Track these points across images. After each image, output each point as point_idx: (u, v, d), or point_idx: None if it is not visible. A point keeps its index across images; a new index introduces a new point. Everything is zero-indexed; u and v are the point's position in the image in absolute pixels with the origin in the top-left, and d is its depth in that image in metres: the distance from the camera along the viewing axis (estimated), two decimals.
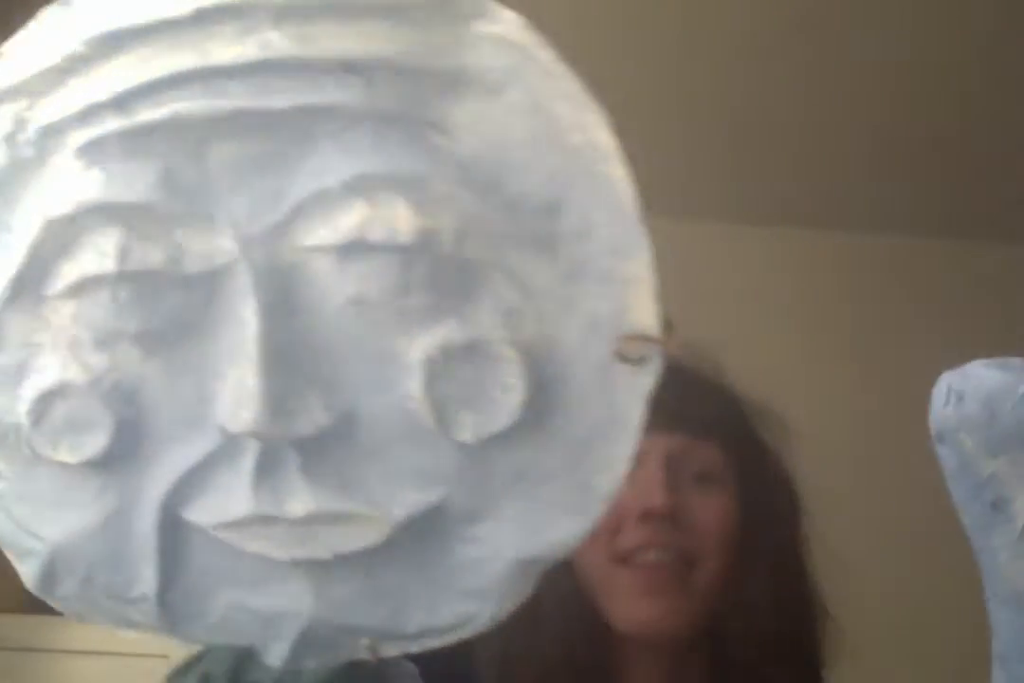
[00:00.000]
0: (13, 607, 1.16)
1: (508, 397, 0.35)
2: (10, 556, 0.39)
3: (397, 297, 0.35)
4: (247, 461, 0.35)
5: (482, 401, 0.35)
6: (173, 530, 0.37)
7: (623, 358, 0.35)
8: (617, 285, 0.35)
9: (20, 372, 0.37)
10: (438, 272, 0.35)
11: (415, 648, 0.38)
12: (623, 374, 0.35)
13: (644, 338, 0.35)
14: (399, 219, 0.34)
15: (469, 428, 0.35)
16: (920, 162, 1.77)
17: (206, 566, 0.38)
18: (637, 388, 0.36)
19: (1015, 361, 0.24)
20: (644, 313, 0.35)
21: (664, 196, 2.03)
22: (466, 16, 0.35)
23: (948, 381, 0.25)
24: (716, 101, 1.66)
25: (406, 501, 0.36)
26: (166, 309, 0.36)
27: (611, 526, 0.64)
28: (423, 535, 0.37)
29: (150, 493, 0.37)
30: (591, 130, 0.35)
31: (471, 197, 0.35)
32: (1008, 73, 1.59)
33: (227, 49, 0.34)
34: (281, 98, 0.34)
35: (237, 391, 0.35)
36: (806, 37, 1.54)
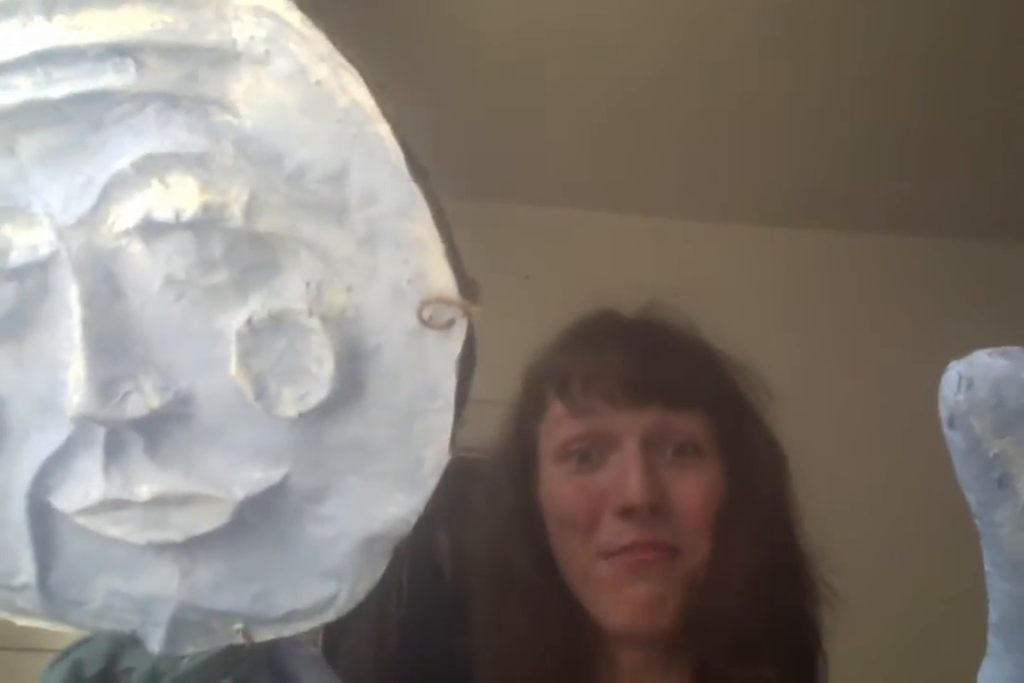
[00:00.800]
0: None
1: (321, 369, 0.35)
2: None
3: (202, 274, 0.35)
4: (97, 447, 0.36)
5: (298, 374, 0.35)
6: (44, 518, 0.38)
7: (430, 324, 0.35)
8: (409, 248, 0.35)
9: None
10: (234, 247, 0.35)
11: (288, 632, 0.38)
12: (432, 340, 0.35)
13: (445, 301, 0.34)
14: (184, 196, 0.34)
15: (289, 402, 0.35)
16: (920, 162, 1.77)
17: (81, 552, 0.38)
18: (447, 354, 0.35)
19: (1015, 349, 0.26)
20: (440, 276, 0.35)
21: (664, 196, 2.03)
22: None
23: (957, 369, 0.26)
24: (716, 101, 1.65)
25: (247, 480, 0.36)
26: (4, 302, 0.36)
27: (590, 521, 0.61)
28: (274, 515, 0.37)
29: (18, 481, 0.37)
30: (352, 91, 0.34)
31: (255, 170, 0.35)
32: (1008, 73, 1.59)
33: (6, 45, 0.34)
34: (60, 87, 0.34)
35: (72, 377, 0.35)
36: (806, 36, 1.54)
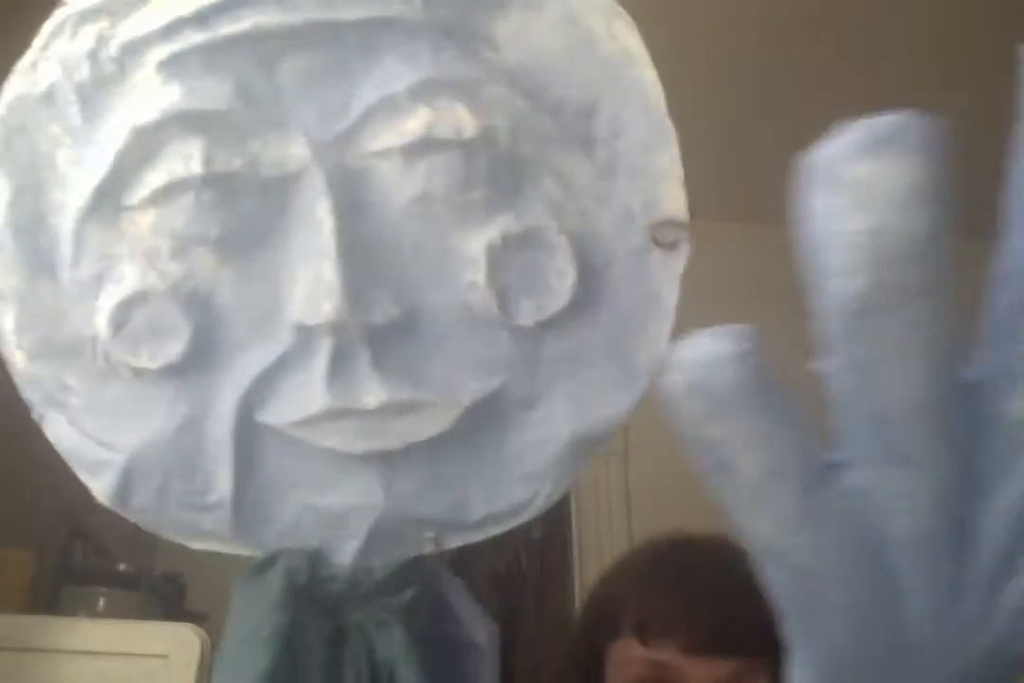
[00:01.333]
0: (13, 607, 1.16)
1: (562, 281, 0.38)
2: (81, 473, 0.40)
3: (459, 192, 0.37)
4: (320, 359, 0.37)
5: (539, 286, 0.38)
6: (247, 434, 0.39)
7: (657, 243, 0.38)
8: (648, 178, 0.39)
9: (97, 284, 0.39)
10: (495, 168, 0.37)
11: (478, 537, 0.40)
12: (658, 258, 0.39)
13: (675, 224, 0.39)
14: (461, 118, 0.37)
15: (528, 313, 0.38)
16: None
17: (277, 470, 0.39)
18: (671, 270, 0.39)
19: (730, 328, 0.25)
20: (674, 201, 0.39)
21: None
22: None
23: (674, 349, 0.25)
24: (715, 101, 1.66)
25: (469, 388, 0.38)
26: (243, 213, 0.37)
27: None
28: (482, 423, 0.39)
29: (225, 398, 0.38)
30: (621, 38, 0.38)
31: (521, 101, 0.37)
32: (1008, 73, 1.59)
33: None
34: (350, 10, 0.37)
35: (315, 286, 0.36)
36: (805, 36, 1.54)
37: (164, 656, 1.19)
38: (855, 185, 0.22)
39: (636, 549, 0.70)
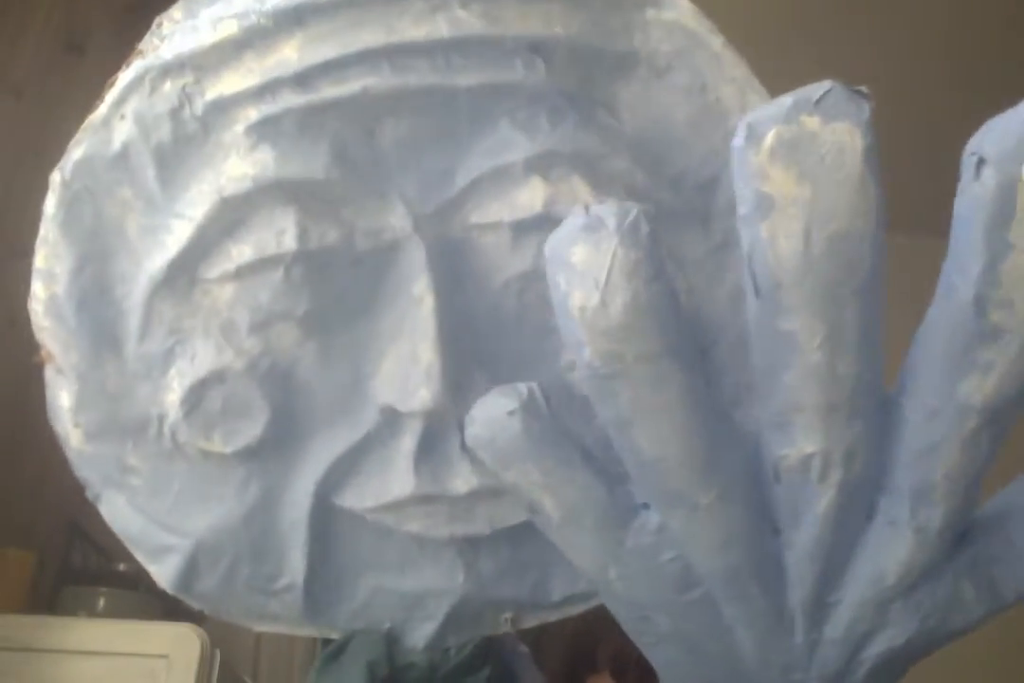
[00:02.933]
0: (13, 607, 1.16)
1: None
2: (140, 556, 0.38)
3: None
4: (406, 442, 0.35)
5: None
6: (323, 518, 0.37)
7: None
8: None
9: (166, 360, 0.36)
10: None
11: (555, 617, 0.38)
12: None
13: None
14: (582, 194, 0.34)
15: None
16: (921, 162, 1.77)
17: (352, 553, 0.37)
18: None
19: (515, 386, 0.28)
20: None
21: None
22: (639, 3, 0.36)
23: (471, 408, 0.28)
24: None
25: None
26: (334, 288, 0.35)
27: None
28: None
29: (301, 480, 0.36)
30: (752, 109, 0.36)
31: (640, 174, 0.35)
32: (1008, 73, 1.59)
33: (416, 27, 0.34)
34: (469, 76, 0.34)
35: (409, 369, 0.34)
36: (805, 36, 1.54)
37: (164, 656, 1.19)
38: (568, 266, 0.25)
39: None
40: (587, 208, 0.25)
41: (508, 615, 0.38)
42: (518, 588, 0.37)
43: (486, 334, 0.35)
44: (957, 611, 0.26)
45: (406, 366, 0.34)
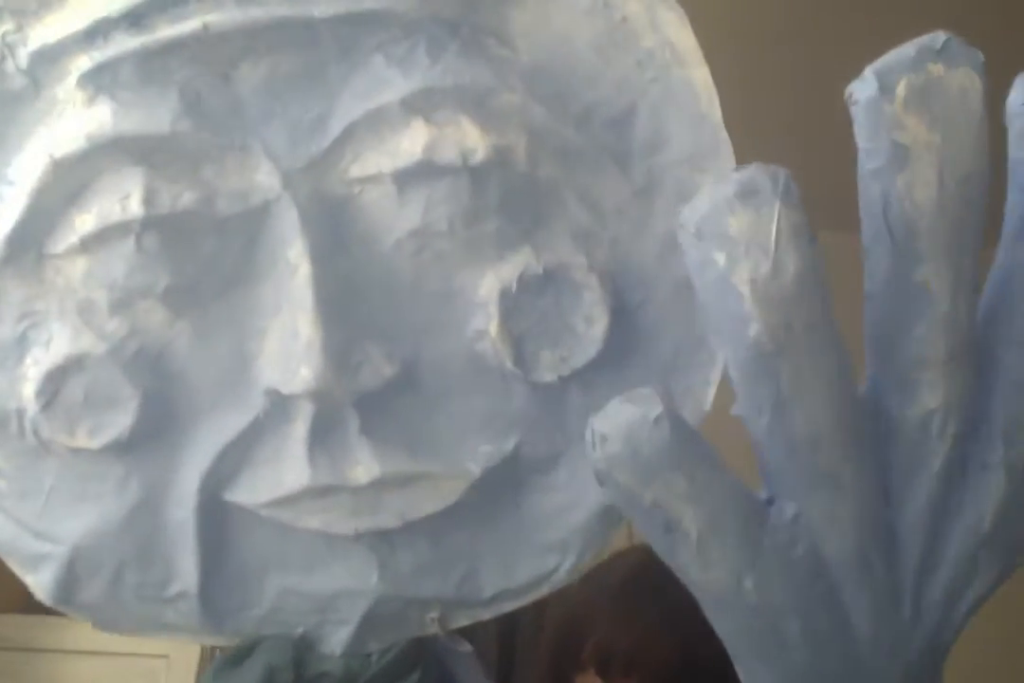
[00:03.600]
0: (13, 607, 1.16)
1: (592, 329, 0.32)
2: (13, 565, 0.34)
3: (466, 225, 0.31)
4: (298, 427, 0.31)
5: (563, 335, 0.32)
6: (213, 516, 0.33)
7: None
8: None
9: (20, 347, 0.32)
10: (510, 194, 0.31)
11: (488, 615, 0.35)
12: None
13: None
14: (469, 137, 0.30)
15: (550, 366, 0.32)
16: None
17: (251, 552, 0.34)
18: None
19: (644, 391, 0.25)
20: None
21: None
22: None
23: (592, 424, 0.25)
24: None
25: (479, 454, 0.32)
26: (198, 258, 0.31)
27: None
28: (494, 490, 0.33)
29: (185, 475, 0.32)
30: (666, 29, 0.32)
31: (540, 110, 0.31)
32: (1009, 74, 1.59)
33: None
34: (326, 5, 0.29)
35: (290, 346, 0.30)
36: (806, 36, 1.54)
37: (164, 656, 1.19)
38: (726, 238, 0.23)
39: (605, 564, 0.66)
40: (731, 175, 0.24)
41: (434, 615, 0.34)
42: (442, 585, 0.34)
43: (378, 302, 0.31)
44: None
45: (288, 342, 0.30)
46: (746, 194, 0.23)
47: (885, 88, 0.24)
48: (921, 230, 0.24)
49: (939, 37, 0.24)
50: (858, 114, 0.24)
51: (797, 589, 0.26)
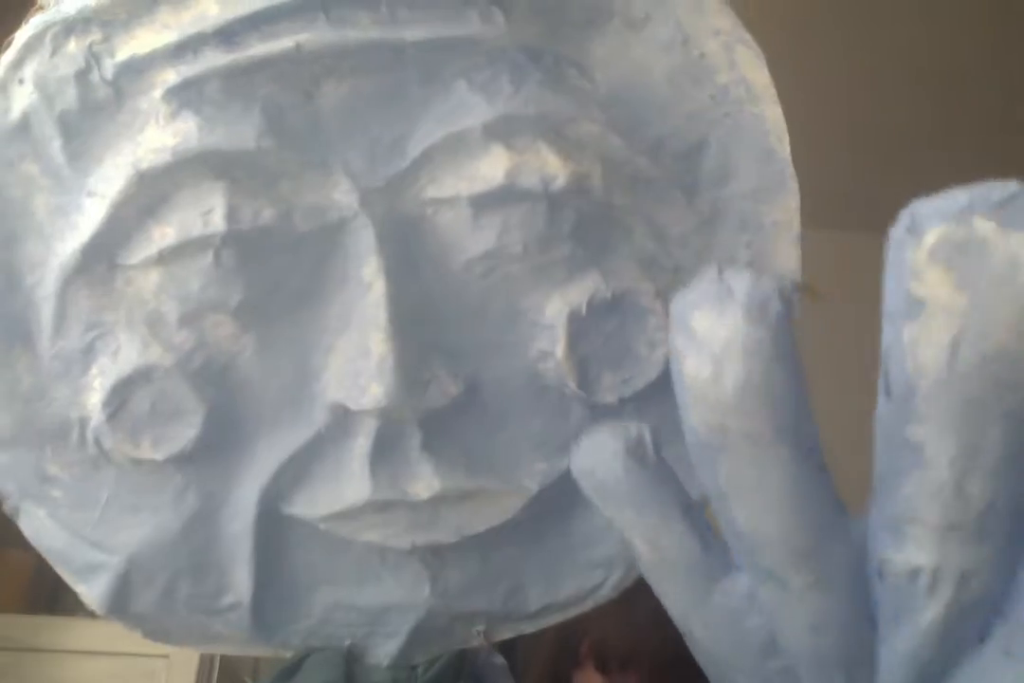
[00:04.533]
0: (13, 607, 1.16)
1: (654, 353, 0.32)
2: (65, 575, 0.34)
3: (540, 250, 0.31)
4: (361, 442, 0.31)
5: (626, 359, 0.32)
6: (270, 529, 0.33)
7: None
8: (756, 230, 0.33)
9: (86, 358, 0.32)
10: (584, 221, 0.31)
11: (531, 628, 0.35)
12: None
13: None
14: (550, 164, 0.30)
15: (611, 388, 0.32)
16: (922, 162, 1.77)
17: (303, 566, 0.34)
18: None
19: (627, 425, 0.26)
20: (784, 259, 0.33)
21: None
22: None
23: (582, 436, 0.27)
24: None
25: (535, 472, 0.33)
26: (271, 274, 0.31)
27: None
28: (546, 506, 0.33)
29: (245, 487, 0.33)
30: (742, 67, 0.32)
31: (615, 139, 0.31)
32: (1010, 75, 1.59)
33: None
34: (417, 29, 0.30)
35: (359, 363, 0.30)
36: (808, 36, 1.54)
37: (164, 656, 1.19)
38: (688, 331, 0.23)
39: None
40: (721, 271, 0.23)
41: (480, 628, 0.35)
42: (490, 600, 0.34)
43: (445, 321, 0.32)
44: None
45: (356, 360, 0.31)
46: (718, 296, 0.23)
47: (914, 231, 0.21)
48: (920, 390, 0.22)
49: (1005, 189, 0.21)
50: (886, 249, 0.22)
51: (746, 655, 0.26)
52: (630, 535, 0.26)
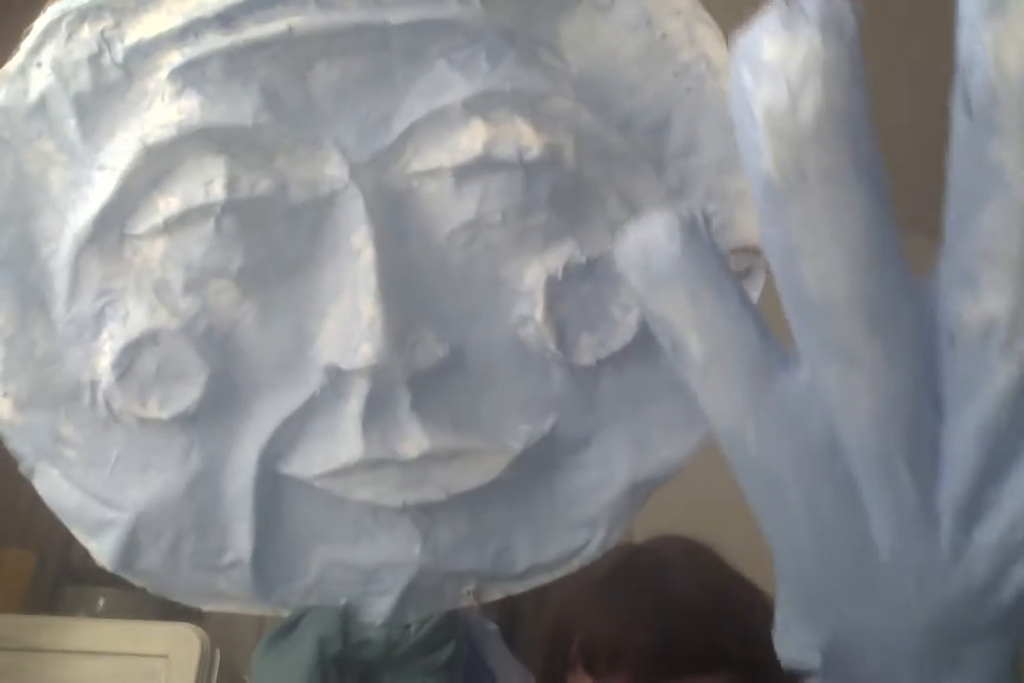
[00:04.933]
0: (13, 607, 1.16)
1: (627, 315, 0.34)
2: (78, 532, 0.36)
3: (517, 218, 0.33)
4: (353, 403, 0.33)
5: (601, 321, 0.34)
6: (269, 487, 0.35)
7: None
8: (722, 200, 0.35)
9: (97, 323, 0.34)
10: (558, 191, 0.33)
11: (520, 589, 0.36)
12: None
13: (749, 250, 0.34)
14: (524, 136, 0.32)
15: (588, 349, 0.34)
16: (922, 162, 1.76)
17: (300, 524, 0.35)
18: None
19: (679, 209, 0.25)
20: (750, 226, 0.34)
21: None
22: None
23: (627, 226, 0.25)
24: None
25: (519, 432, 0.35)
26: (268, 242, 0.33)
27: None
28: (531, 467, 0.35)
29: (245, 447, 0.34)
30: (702, 44, 0.34)
31: (587, 115, 0.33)
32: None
33: None
34: (400, 12, 0.32)
35: (351, 325, 0.32)
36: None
37: (164, 656, 1.19)
38: (757, 61, 0.22)
39: (595, 564, 0.69)
40: (783, 3, 0.22)
41: (470, 588, 0.36)
42: (479, 558, 0.36)
43: (431, 288, 0.34)
44: None
45: (348, 322, 0.32)
46: (789, 19, 0.21)
47: None
48: (1003, 98, 0.20)
49: None
50: None
51: (804, 459, 0.23)
52: (682, 328, 0.24)
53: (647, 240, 0.24)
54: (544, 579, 0.37)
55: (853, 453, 0.23)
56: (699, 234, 0.24)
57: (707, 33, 0.34)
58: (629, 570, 0.67)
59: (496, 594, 0.36)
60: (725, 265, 0.25)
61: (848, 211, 0.22)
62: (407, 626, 0.36)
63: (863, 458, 0.23)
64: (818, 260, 0.22)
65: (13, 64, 0.34)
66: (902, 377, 0.22)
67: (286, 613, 0.36)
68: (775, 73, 0.21)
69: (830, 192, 0.21)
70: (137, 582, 0.37)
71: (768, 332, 0.24)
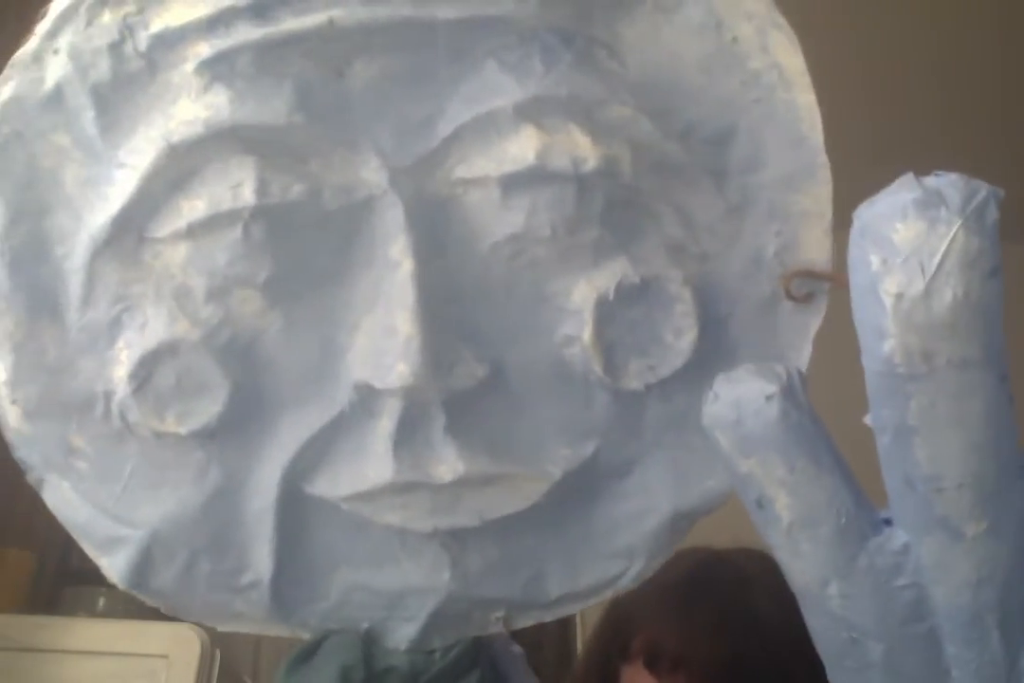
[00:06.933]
0: (13, 607, 1.16)
1: (680, 341, 0.32)
2: (89, 548, 0.35)
3: (568, 233, 0.31)
4: (384, 423, 0.31)
5: (652, 345, 0.32)
6: (292, 507, 0.33)
7: (789, 295, 0.32)
8: (786, 218, 0.32)
9: (112, 330, 0.32)
10: (612, 205, 0.31)
11: (550, 617, 0.35)
12: (788, 312, 0.33)
13: (812, 274, 0.32)
14: (580, 146, 0.30)
15: (637, 374, 0.32)
16: (922, 162, 1.77)
17: (323, 546, 0.34)
18: (803, 327, 0.33)
19: (775, 367, 0.24)
20: (815, 248, 0.32)
21: None
22: None
23: (714, 383, 0.25)
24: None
25: (558, 457, 0.33)
26: (298, 251, 0.31)
27: None
28: (569, 493, 0.33)
29: (266, 466, 0.33)
30: (775, 52, 0.32)
31: (646, 123, 0.31)
32: (1011, 75, 1.59)
33: None
34: (449, 8, 0.30)
35: (385, 342, 0.30)
36: (811, 36, 1.54)
37: (164, 656, 1.19)
38: (888, 243, 0.21)
39: (668, 564, 0.70)
40: (919, 180, 0.21)
41: (499, 614, 0.35)
42: (510, 586, 0.34)
43: (471, 304, 0.31)
44: None
45: (382, 338, 0.30)
46: (926, 203, 0.21)
47: None
48: None
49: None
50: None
51: (887, 618, 0.23)
52: (771, 488, 0.24)
53: (741, 399, 0.24)
54: (575, 608, 0.35)
55: (942, 615, 0.23)
56: (797, 396, 0.24)
57: (781, 40, 0.32)
58: (704, 576, 0.67)
59: (526, 621, 0.35)
60: (822, 428, 0.24)
61: (972, 397, 0.21)
62: (431, 652, 0.34)
63: (953, 620, 0.23)
64: (935, 441, 0.22)
65: (27, 50, 0.32)
66: (1004, 549, 0.22)
67: (306, 636, 0.35)
68: (909, 259, 0.21)
69: (957, 380, 0.21)
70: (150, 601, 0.35)
71: (861, 495, 0.24)
